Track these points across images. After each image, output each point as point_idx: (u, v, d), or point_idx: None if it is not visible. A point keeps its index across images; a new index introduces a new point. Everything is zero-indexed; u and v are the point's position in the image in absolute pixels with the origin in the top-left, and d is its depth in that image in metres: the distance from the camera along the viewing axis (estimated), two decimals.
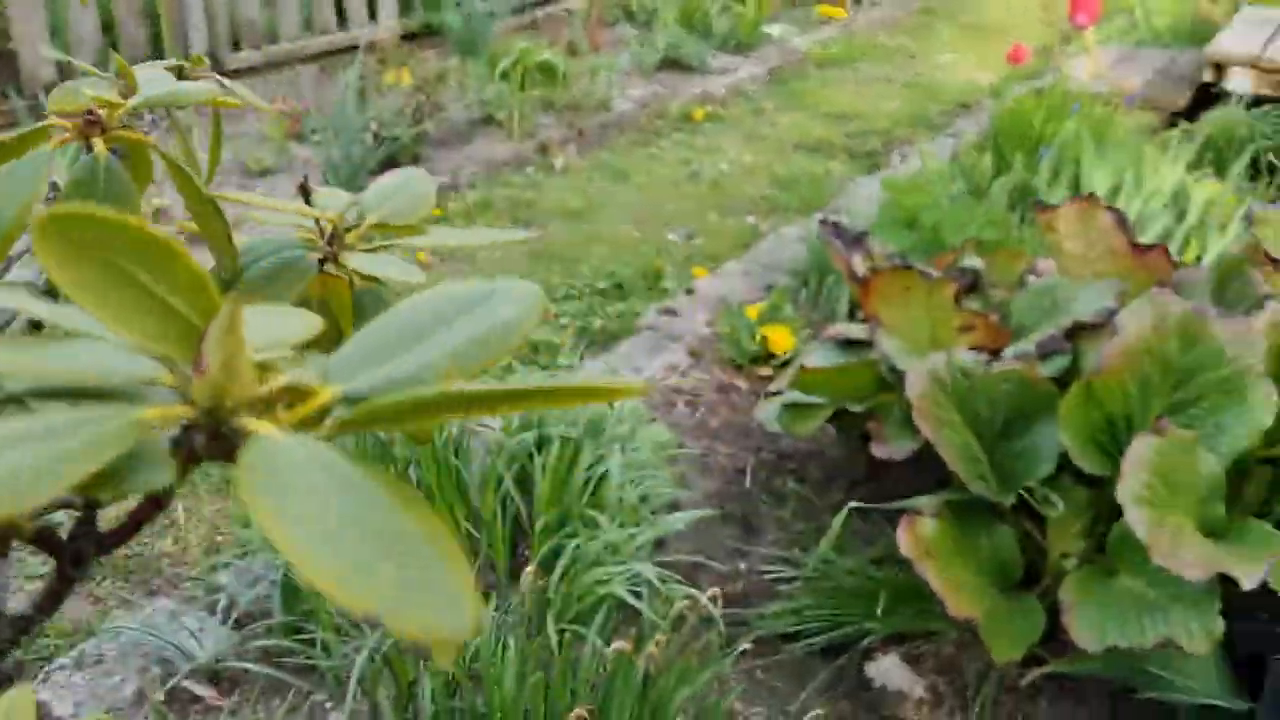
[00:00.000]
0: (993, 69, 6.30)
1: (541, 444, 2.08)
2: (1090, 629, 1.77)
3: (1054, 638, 1.96)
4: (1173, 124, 4.85)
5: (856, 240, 2.45)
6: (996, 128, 4.19)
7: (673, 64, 6.25)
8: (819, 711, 1.91)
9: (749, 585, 2.30)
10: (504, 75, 5.03)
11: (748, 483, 2.61)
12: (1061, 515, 2.03)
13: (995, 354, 2.07)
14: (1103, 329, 2.01)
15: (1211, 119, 4.71)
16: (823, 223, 2.45)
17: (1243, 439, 1.86)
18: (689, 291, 3.51)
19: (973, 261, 2.33)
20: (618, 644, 1.40)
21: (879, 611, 2.00)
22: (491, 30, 6.20)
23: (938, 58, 6.91)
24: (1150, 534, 1.65)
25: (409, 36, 6.33)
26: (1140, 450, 1.72)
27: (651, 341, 3.21)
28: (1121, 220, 2.13)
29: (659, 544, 2.36)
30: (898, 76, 6.44)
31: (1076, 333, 2.07)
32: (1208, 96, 5.12)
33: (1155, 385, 1.91)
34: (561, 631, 1.69)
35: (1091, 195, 2.18)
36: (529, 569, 1.61)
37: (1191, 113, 5.02)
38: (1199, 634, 1.68)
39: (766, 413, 2.48)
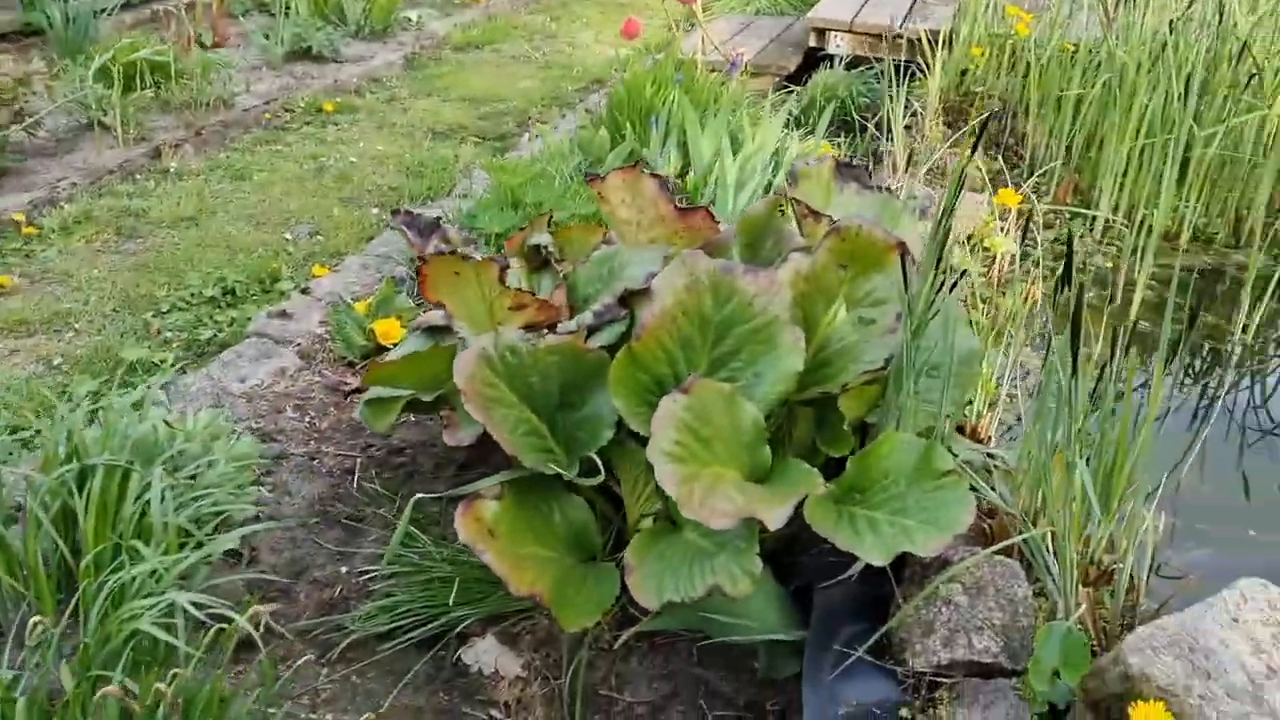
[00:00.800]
0: (629, 45, 6.44)
1: (85, 476, 1.92)
2: (649, 587, 1.82)
3: None
4: (784, 87, 5.13)
5: (432, 228, 2.41)
6: (612, 101, 4.27)
7: (305, 54, 6.02)
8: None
9: (348, 589, 2.23)
10: (102, 74, 4.65)
11: (355, 482, 2.54)
12: (631, 478, 2.08)
13: (554, 328, 2.09)
14: (650, 293, 2.06)
15: (816, 81, 5.02)
16: (395, 213, 2.40)
17: (779, 384, 1.96)
18: (304, 291, 3.38)
19: (541, 238, 2.34)
20: (108, 689, 1.30)
21: (451, 600, 1.99)
22: (97, 27, 5.74)
23: (577, 36, 7.01)
24: (680, 489, 1.71)
25: (3, 36, 5.78)
26: (669, 408, 1.78)
27: (260, 348, 3.06)
28: (664, 185, 2.20)
29: (251, 560, 2.26)
30: (536, 56, 6.48)
31: (630, 299, 2.12)
32: (815, 60, 5.46)
33: (696, 342, 1.98)
34: (94, 678, 1.56)
35: (637, 163, 2.24)
36: (35, 618, 1.47)
37: (801, 75, 5.34)
38: (741, 577, 1.75)
39: (360, 410, 2.41)
